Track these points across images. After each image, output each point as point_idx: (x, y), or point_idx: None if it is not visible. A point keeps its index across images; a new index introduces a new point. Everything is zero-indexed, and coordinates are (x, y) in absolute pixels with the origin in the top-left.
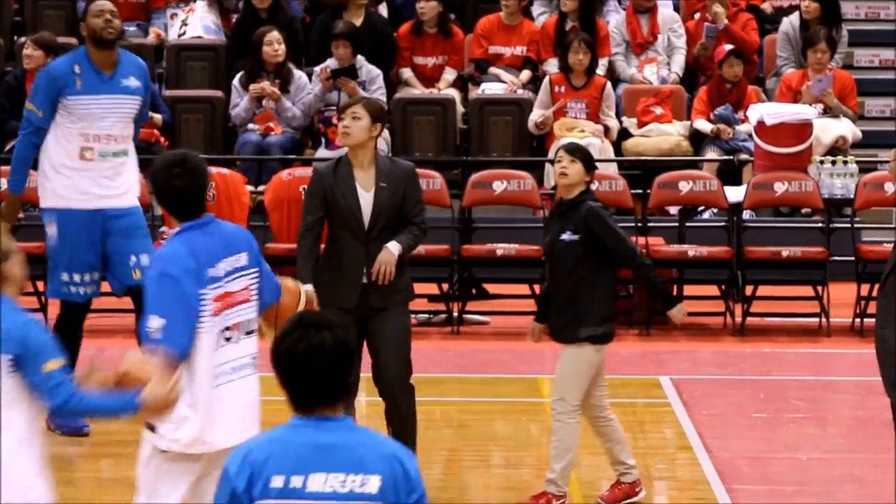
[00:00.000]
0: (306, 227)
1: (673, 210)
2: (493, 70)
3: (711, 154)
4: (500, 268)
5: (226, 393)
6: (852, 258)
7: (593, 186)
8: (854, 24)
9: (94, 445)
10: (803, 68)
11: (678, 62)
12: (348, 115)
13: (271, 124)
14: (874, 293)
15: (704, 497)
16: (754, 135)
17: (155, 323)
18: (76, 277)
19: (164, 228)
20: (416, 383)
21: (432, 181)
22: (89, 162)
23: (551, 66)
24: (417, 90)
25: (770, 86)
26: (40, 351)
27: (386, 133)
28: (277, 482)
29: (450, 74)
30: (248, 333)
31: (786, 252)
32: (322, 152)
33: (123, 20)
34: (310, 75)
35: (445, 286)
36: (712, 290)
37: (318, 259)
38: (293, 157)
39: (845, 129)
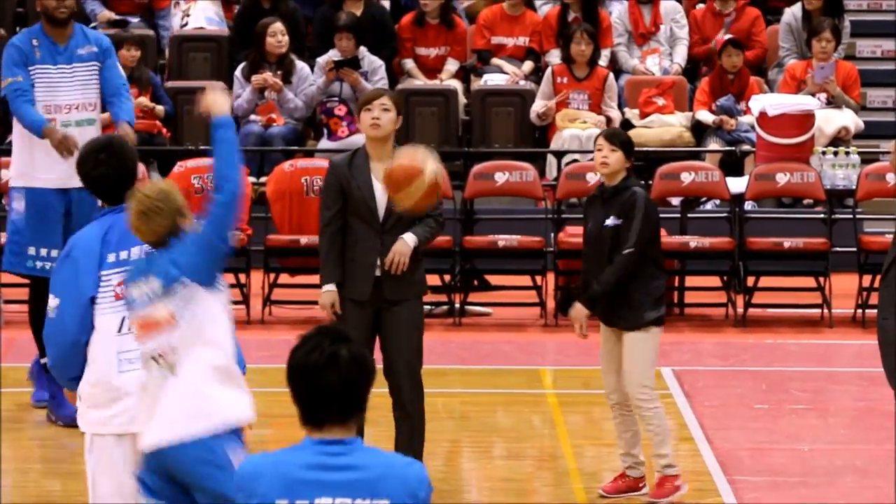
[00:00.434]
0: (324, 224)
1: (675, 201)
2: (495, 61)
3: (713, 145)
4: (502, 259)
5: (131, 380)
6: (854, 249)
7: (594, 178)
8: (856, 14)
9: None
10: (806, 59)
11: (680, 53)
12: (377, 107)
13: (273, 115)
14: (876, 284)
15: (706, 488)
16: (756, 125)
17: (52, 302)
18: (43, 252)
19: None
20: None
21: None
22: None
23: (554, 56)
24: (420, 81)
25: (772, 76)
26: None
27: None
28: None
29: (452, 65)
30: None
31: (788, 243)
32: (324, 143)
33: (125, 13)
34: (312, 66)
35: (447, 277)
36: (714, 280)
37: (341, 254)
38: (295, 148)
39: (847, 119)
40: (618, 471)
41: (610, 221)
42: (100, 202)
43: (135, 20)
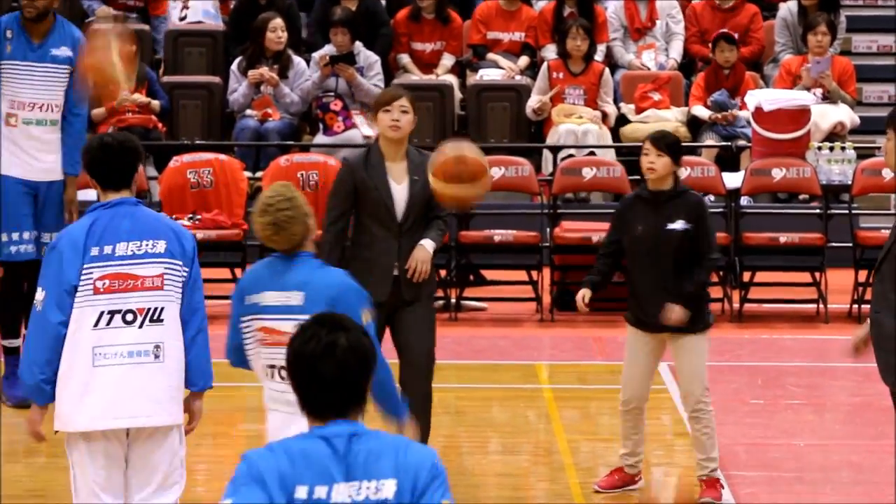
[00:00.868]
0: (331, 222)
1: None
2: (491, 56)
3: (709, 140)
4: (498, 254)
5: (106, 375)
6: (850, 244)
7: (590, 173)
8: (852, 9)
9: None
10: (801, 54)
11: (676, 48)
12: (396, 109)
13: (269, 110)
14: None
15: None
16: (752, 121)
17: (38, 296)
18: (15, 236)
19: (161, 214)
20: None
21: None
22: (13, 128)
23: (549, 52)
24: (415, 76)
25: (767, 72)
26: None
27: None
28: (301, 493)
29: (448, 60)
30: (154, 321)
31: (784, 238)
32: (320, 138)
33: (123, 8)
34: (308, 61)
35: (443, 272)
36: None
37: (342, 253)
38: (291, 143)
39: (843, 115)
40: (612, 466)
41: (678, 225)
42: (97, 195)
43: (132, 15)
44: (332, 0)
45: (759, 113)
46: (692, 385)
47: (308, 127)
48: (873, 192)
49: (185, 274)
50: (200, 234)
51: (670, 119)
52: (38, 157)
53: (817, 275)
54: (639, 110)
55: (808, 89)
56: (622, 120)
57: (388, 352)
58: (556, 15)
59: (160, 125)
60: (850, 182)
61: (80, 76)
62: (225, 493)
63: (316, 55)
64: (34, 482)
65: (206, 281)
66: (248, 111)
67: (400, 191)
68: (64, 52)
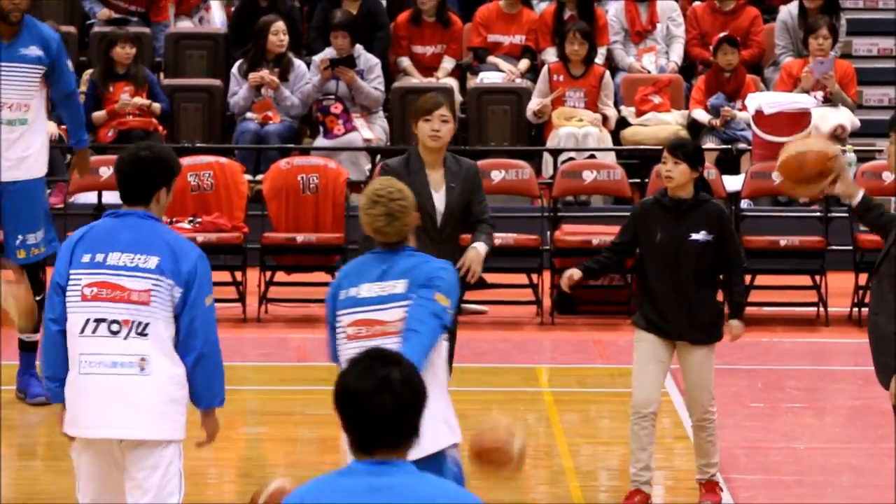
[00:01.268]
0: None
1: None
2: (491, 59)
3: (710, 143)
4: (498, 257)
5: (90, 384)
6: (850, 248)
7: (591, 176)
8: (853, 13)
9: None
10: (802, 57)
11: (677, 51)
12: (437, 119)
13: (269, 113)
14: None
15: None
16: (752, 124)
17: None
18: None
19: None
20: None
21: None
22: None
23: (550, 55)
24: (416, 79)
25: (768, 75)
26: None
27: (384, 122)
28: None
29: (448, 63)
30: (139, 334)
31: (784, 241)
32: (320, 141)
33: (125, 12)
34: (308, 64)
35: None
36: None
37: None
38: (291, 146)
39: (844, 118)
40: (612, 469)
41: (700, 236)
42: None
43: (134, 18)
44: (333, 3)
45: (759, 116)
46: (700, 394)
47: (308, 130)
48: (873, 195)
49: (177, 294)
50: (200, 238)
51: (670, 122)
52: (9, 154)
53: (817, 278)
54: (639, 113)
55: (808, 92)
56: (622, 123)
57: None
58: (556, 18)
59: (161, 128)
60: None
61: None
62: None
63: (316, 58)
64: (44, 483)
65: None
66: (249, 114)
67: (438, 198)
68: (33, 51)
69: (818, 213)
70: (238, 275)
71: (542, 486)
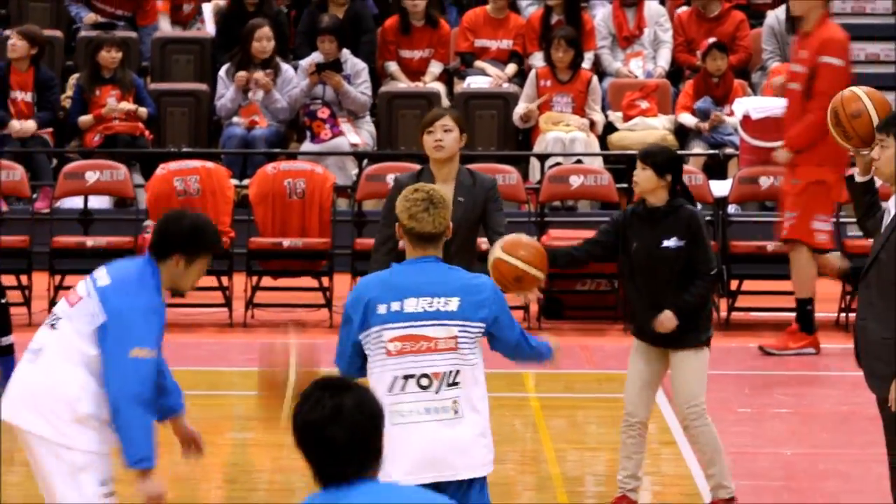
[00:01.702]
0: (381, 242)
1: None
2: (478, 63)
3: (697, 148)
4: (485, 262)
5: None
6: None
7: (578, 181)
8: (841, 18)
9: None
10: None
11: (664, 56)
12: (439, 129)
13: (256, 118)
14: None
15: (689, 492)
16: (740, 129)
17: None
18: None
19: (147, 222)
20: None
21: None
22: None
23: (537, 59)
24: (403, 84)
25: (755, 79)
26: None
27: (371, 127)
28: None
29: (435, 68)
30: (51, 326)
31: (771, 246)
32: (307, 146)
33: (110, 17)
34: (296, 68)
35: None
36: None
37: None
38: (278, 150)
39: None
40: (599, 475)
41: (671, 243)
42: None
43: (120, 23)
44: (320, 7)
45: (746, 121)
46: (677, 398)
47: (295, 134)
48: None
49: (100, 320)
50: None
51: (658, 127)
52: None
53: None
54: (626, 118)
55: None
56: (610, 128)
57: None
58: (543, 23)
59: (147, 132)
60: None
61: None
62: None
63: (304, 63)
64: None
65: (193, 289)
66: (235, 118)
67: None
68: None
69: None
70: (224, 279)
71: (529, 492)
